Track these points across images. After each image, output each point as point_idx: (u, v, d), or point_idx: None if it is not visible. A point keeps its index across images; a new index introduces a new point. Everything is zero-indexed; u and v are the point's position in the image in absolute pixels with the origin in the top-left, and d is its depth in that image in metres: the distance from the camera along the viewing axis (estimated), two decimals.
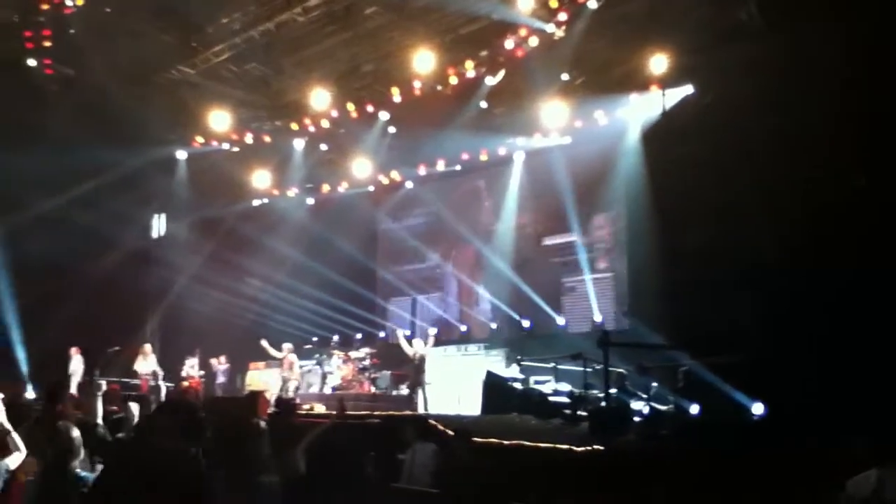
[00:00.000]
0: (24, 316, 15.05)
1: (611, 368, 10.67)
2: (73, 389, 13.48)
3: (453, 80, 15.12)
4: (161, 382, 15.51)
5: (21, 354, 14.94)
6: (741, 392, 8.65)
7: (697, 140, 12.40)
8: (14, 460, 5.16)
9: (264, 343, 15.54)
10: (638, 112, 14.69)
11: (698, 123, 12.68)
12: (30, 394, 14.62)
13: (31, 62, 14.94)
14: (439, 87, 15.43)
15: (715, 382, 8.92)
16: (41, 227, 16.17)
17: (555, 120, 15.23)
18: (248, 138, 17.50)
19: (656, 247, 13.38)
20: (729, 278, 11.29)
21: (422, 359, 13.97)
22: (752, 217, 11.25)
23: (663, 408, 10.17)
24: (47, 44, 14.77)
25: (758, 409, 8.60)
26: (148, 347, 15.89)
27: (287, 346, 15.57)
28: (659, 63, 13.34)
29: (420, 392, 13.71)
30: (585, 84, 14.90)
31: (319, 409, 13.80)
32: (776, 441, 6.93)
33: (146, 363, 15.76)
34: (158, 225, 19.61)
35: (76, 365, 15.07)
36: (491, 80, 15.10)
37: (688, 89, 13.57)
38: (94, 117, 15.12)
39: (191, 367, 16.44)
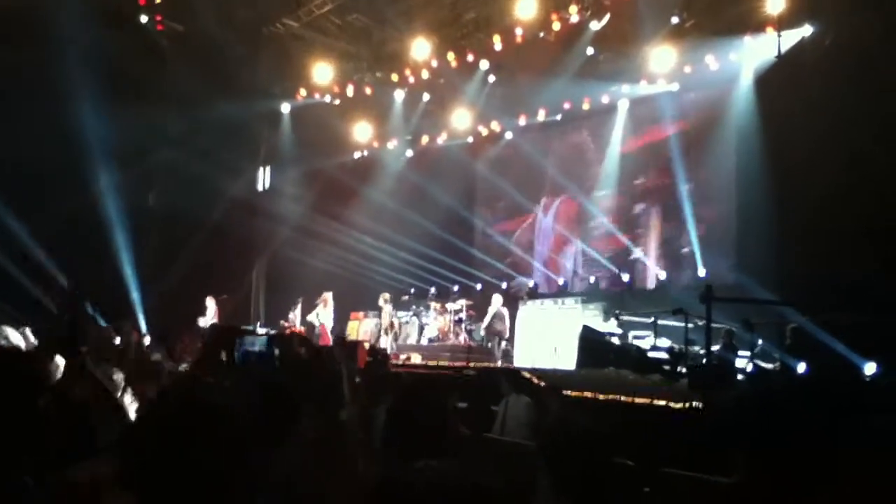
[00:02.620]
0: (140, 264, 15.75)
1: (715, 325, 10.29)
2: None
3: (556, 26, 14.77)
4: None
5: (138, 301, 15.65)
6: (854, 351, 8.14)
7: (816, 84, 11.67)
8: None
9: None
10: (751, 56, 13.88)
11: (817, 66, 11.92)
12: (147, 340, 15.41)
13: (143, 18, 15.46)
14: (542, 34, 15.08)
15: (825, 340, 8.44)
16: (155, 177, 16.92)
17: (662, 65, 14.61)
18: (350, 90, 17.62)
19: (768, 198, 12.70)
20: (847, 230, 10.64)
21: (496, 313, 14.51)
22: (875, 166, 10.49)
23: (769, 366, 9.73)
24: (158, 0, 15.27)
25: (870, 368, 8.08)
26: (328, 296, 15.91)
27: (383, 295, 15.82)
28: (775, 2, 12.53)
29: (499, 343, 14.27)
30: (696, 27, 14.16)
31: (416, 359, 14.04)
32: (891, 402, 6.48)
33: (326, 312, 15.81)
34: (264, 177, 20.10)
35: (211, 312, 15.59)
36: (596, 25, 14.66)
37: (805, 30, 12.71)
38: (202, 71, 15.54)
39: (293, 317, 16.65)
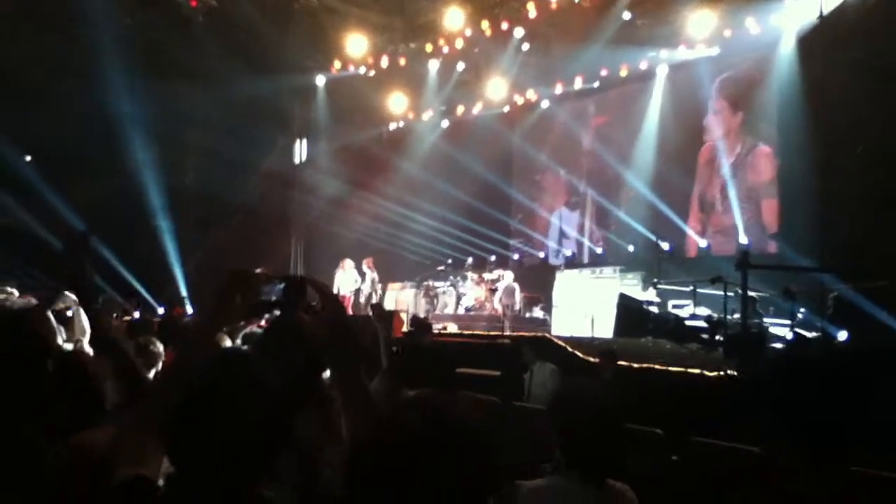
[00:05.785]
0: (180, 239, 16.04)
1: (755, 293, 10.13)
2: None
3: None
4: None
5: (179, 275, 15.96)
6: None
7: (860, 45, 11.30)
8: None
9: None
10: (793, 18, 13.47)
11: (862, 26, 11.52)
12: (189, 311, 15.76)
13: None
14: (577, 0, 14.83)
15: (868, 309, 8.24)
16: (192, 153, 17.13)
17: (702, 30, 14.31)
18: (384, 62, 17.54)
19: (812, 163, 12.37)
20: (892, 195, 10.34)
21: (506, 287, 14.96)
22: None
23: (809, 334, 9.54)
24: None
25: None
26: (347, 263, 15.91)
27: (366, 261, 16.17)
28: None
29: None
30: None
31: (452, 328, 14.13)
32: None
33: (346, 277, 15.82)
34: (300, 150, 20.19)
35: None
36: None
37: None
38: (236, 47, 15.62)
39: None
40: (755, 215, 14.65)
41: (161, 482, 1.72)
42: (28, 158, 15.14)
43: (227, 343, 6.57)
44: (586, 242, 17.74)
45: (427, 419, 1.32)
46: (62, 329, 4.95)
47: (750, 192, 14.84)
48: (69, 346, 4.76)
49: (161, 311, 15.57)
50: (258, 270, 1.99)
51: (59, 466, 1.95)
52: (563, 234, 18.32)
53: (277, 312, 2.21)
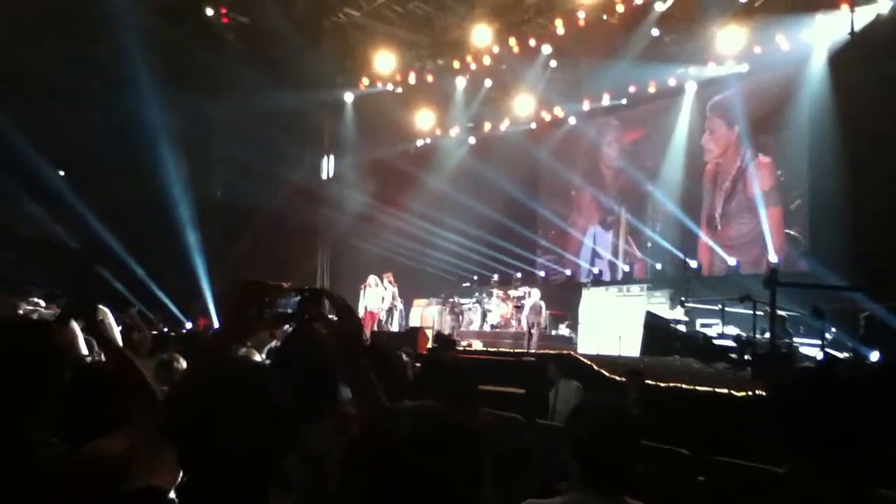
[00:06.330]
0: (207, 251, 16.15)
1: (784, 312, 9.97)
2: None
3: (620, 8, 14.49)
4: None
5: (206, 288, 16.06)
6: None
7: (892, 60, 11.15)
8: None
9: None
10: (824, 34, 13.32)
11: (893, 42, 11.37)
12: (216, 325, 15.83)
13: (209, 12, 15.79)
14: (605, 17, 14.83)
15: None
16: (221, 166, 17.31)
17: (731, 46, 14.19)
18: (412, 78, 17.64)
19: (842, 180, 12.19)
20: None
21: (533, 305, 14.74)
22: None
23: (840, 355, 9.36)
24: None
25: None
26: (372, 280, 15.87)
27: (387, 275, 16.16)
28: None
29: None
30: (765, 5, 13.67)
31: (477, 345, 14.06)
32: None
33: (372, 294, 15.79)
34: (328, 166, 20.34)
35: None
36: (661, 6, 14.34)
37: (881, 6, 12.14)
38: (267, 63, 15.80)
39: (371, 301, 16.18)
40: (757, 226, 14.56)
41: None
42: (62, 173, 15.40)
43: (257, 358, 6.60)
44: (620, 263, 17.59)
45: (416, 425, 1.31)
46: (94, 342, 4.97)
47: (751, 203, 14.75)
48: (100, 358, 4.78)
49: (188, 325, 15.69)
50: (285, 284, 2.01)
51: (61, 472, 1.96)
52: (595, 255, 18.18)
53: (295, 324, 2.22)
